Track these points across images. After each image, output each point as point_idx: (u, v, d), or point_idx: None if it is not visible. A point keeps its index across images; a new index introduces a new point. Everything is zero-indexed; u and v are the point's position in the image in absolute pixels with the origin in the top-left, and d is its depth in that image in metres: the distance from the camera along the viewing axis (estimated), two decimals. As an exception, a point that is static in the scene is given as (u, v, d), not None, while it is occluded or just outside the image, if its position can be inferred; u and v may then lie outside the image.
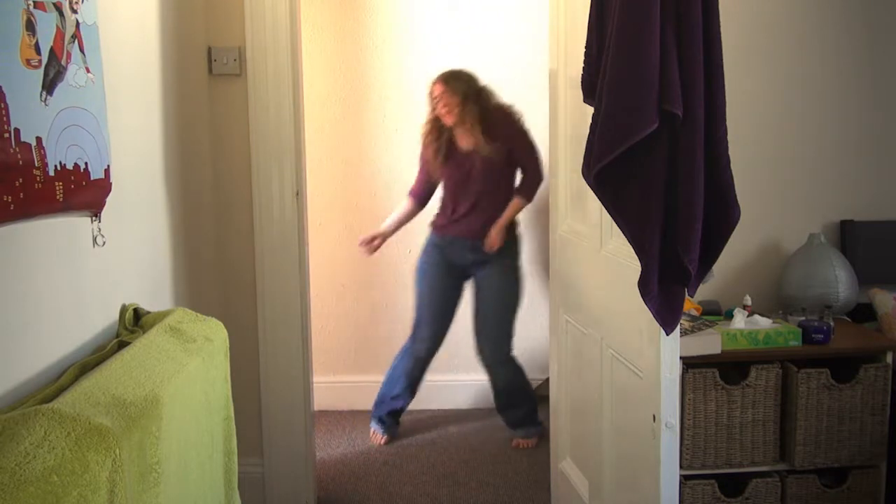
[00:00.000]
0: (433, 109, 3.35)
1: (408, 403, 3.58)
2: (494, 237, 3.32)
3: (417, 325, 3.52)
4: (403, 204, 3.53)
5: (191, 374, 1.71)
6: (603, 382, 2.24)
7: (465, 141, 3.36)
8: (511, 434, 3.54)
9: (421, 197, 3.53)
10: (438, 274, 3.47)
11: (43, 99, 1.40)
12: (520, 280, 3.48)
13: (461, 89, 3.29)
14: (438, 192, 3.50)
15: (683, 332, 2.26)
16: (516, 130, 3.34)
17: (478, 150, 3.32)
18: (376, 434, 3.53)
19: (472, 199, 3.37)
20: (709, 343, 2.35)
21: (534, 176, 3.36)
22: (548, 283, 2.84)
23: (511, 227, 3.41)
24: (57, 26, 1.45)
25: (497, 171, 3.35)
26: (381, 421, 3.54)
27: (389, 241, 3.55)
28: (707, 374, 2.36)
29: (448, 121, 3.32)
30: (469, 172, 3.35)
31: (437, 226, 3.47)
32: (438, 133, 3.38)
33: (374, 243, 3.47)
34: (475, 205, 3.37)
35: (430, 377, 3.67)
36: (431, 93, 3.34)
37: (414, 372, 3.53)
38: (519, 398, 3.51)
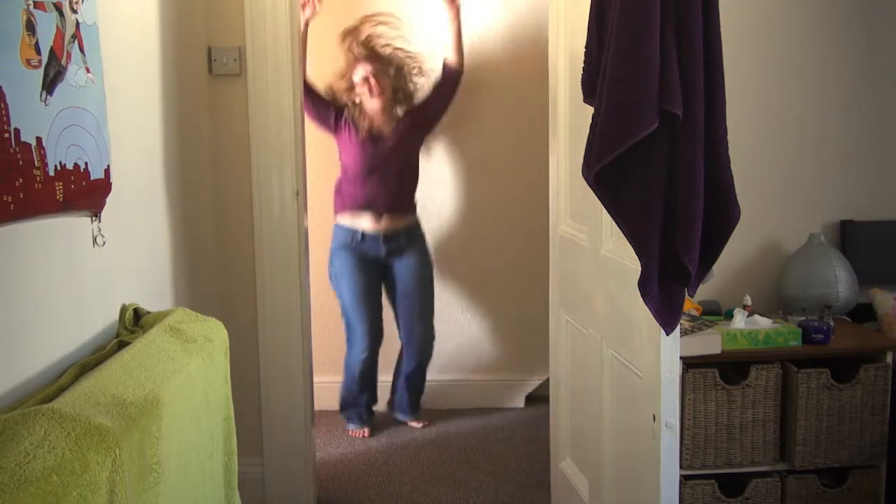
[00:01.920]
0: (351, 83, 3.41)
1: (373, 398, 3.62)
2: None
3: (352, 333, 3.52)
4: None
5: (191, 374, 1.71)
6: (603, 382, 2.24)
7: (379, 119, 3.42)
8: (405, 418, 3.65)
9: (316, 99, 3.41)
10: (357, 277, 3.44)
11: (43, 99, 1.40)
12: (431, 259, 3.60)
13: (390, 82, 3.41)
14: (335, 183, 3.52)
15: (683, 332, 2.26)
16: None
17: (408, 106, 3.44)
18: (357, 432, 3.55)
19: (384, 185, 3.38)
20: (709, 343, 2.35)
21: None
22: (547, 283, 2.84)
23: (412, 207, 3.51)
24: (57, 26, 1.45)
25: (415, 141, 3.46)
26: (355, 419, 3.57)
27: None
28: (707, 374, 2.36)
29: (375, 103, 3.38)
30: (384, 153, 3.39)
31: (344, 216, 3.45)
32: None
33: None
34: (391, 193, 3.39)
35: (430, 377, 3.67)
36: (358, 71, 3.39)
37: (365, 375, 3.54)
38: (422, 380, 3.63)
